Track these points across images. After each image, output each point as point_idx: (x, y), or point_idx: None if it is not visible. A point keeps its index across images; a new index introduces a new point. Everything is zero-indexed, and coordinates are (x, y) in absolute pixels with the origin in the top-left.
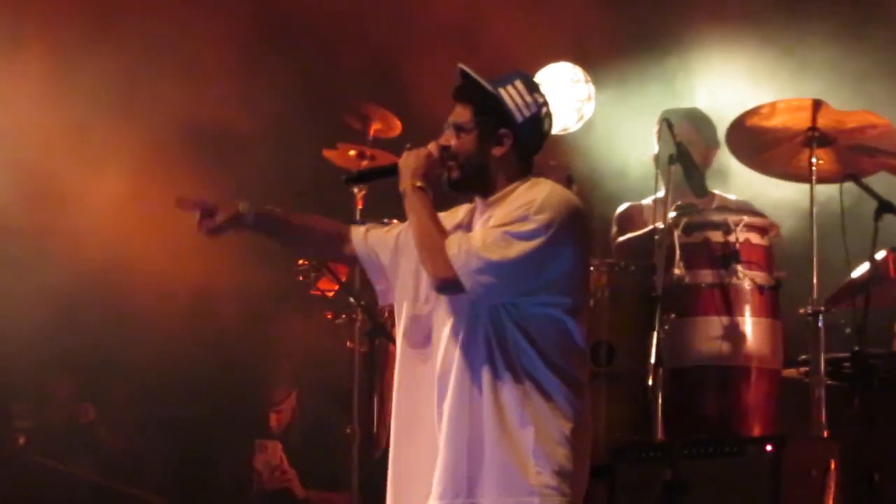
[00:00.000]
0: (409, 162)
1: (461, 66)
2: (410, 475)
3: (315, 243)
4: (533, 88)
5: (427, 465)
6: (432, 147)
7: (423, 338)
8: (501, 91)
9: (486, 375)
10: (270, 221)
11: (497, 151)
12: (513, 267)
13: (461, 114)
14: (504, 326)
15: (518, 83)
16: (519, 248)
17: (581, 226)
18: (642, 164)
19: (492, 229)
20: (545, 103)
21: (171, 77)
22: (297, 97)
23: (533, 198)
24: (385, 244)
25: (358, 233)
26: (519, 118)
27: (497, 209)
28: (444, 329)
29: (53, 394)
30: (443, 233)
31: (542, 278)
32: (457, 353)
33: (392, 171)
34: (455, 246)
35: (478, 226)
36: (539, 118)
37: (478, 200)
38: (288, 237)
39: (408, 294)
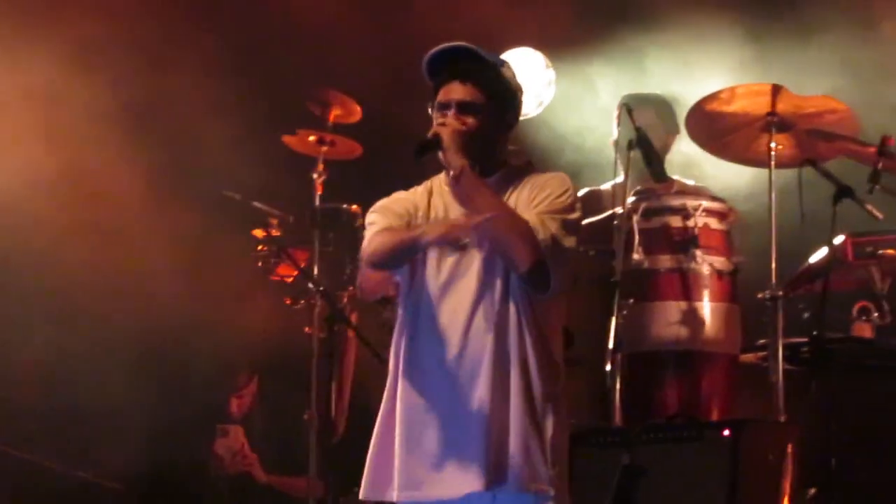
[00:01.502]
0: (455, 138)
1: (467, 44)
2: (420, 441)
3: None
4: (514, 71)
5: (440, 433)
6: (458, 124)
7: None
8: (505, 72)
9: (518, 360)
10: None
11: (503, 133)
12: (571, 255)
13: (468, 93)
14: (531, 309)
15: (507, 66)
16: (574, 236)
17: None
18: (602, 149)
19: (551, 216)
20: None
21: (126, 62)
22: (256, 83)
23: (567, 185)
24: None
25: None
26: (518, 104)
27: (521, 195)
28: (469, 304)
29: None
30: (518, 214)
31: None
32: (490, 336)
33: (437, 146)
34: (541, 230)
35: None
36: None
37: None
38: None
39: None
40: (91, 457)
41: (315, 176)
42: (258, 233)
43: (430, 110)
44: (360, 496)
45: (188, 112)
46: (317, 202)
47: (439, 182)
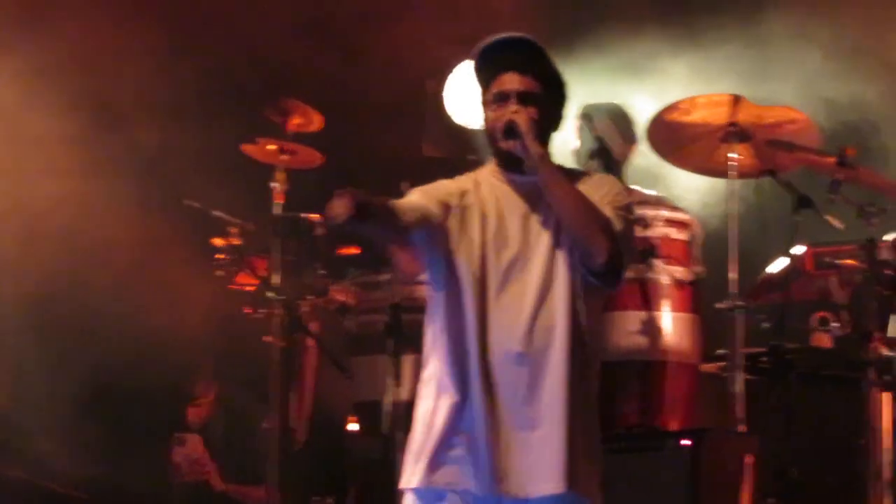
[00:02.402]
0: (531, 127)
1: (524, 35)
2: (498, 436)
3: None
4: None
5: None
6: (526, 114)
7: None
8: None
9: (580, 358)
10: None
11: (556, 128)
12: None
13: (528, 83)
14: (586, 306)
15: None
16: (633, 237)
17: None
18: (562, 159)
19: (615, 212)
20: None
21: (84, 70)
22: (216, 92)
23: (620, 187)
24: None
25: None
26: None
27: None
28: (533, 299)
29: None
30: (596, 206)
31: None
32: (561, 333)
33: (513, 132)
34: (616, 224)
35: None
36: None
37: (507, 176)
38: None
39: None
40: (55, 468)
41: (275, 185)
42: (218, 241)
43: (482, 104)
44: (415, 484)
45: (147, 120)
46: (277, 211)
47: (486, 174)
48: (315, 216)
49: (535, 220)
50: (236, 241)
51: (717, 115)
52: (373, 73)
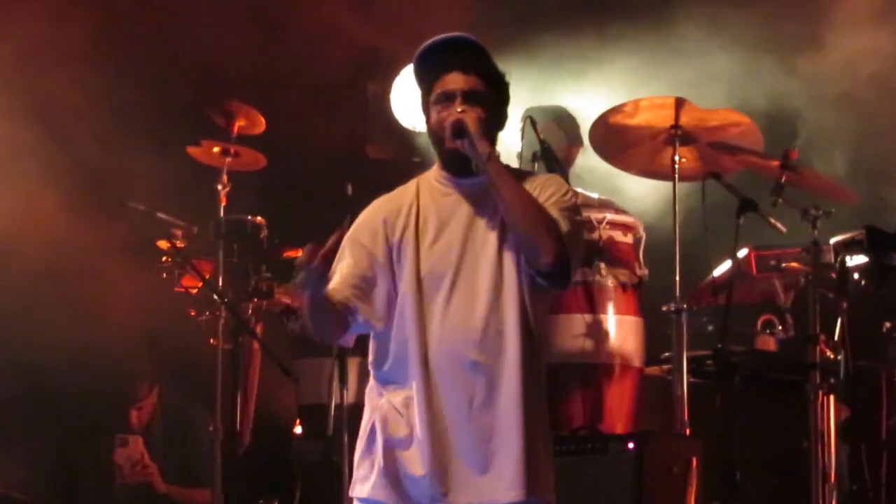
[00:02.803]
0: (476, 125)
1: (466, 35)
2: (449, 443)
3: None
4: None
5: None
6: (473, 111)
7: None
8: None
9: (533, 361)
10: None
11: (501, 127)
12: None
13: (472, 82)
14: (535, 307)
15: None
16: (583, 237)
17: None
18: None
19: (562, 213)
20: None
21: (26, 71)
22: (160, 93)
23: (567, 186)
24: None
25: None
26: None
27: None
28: (485, 300)
29: None
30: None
31: None
32: (513, 336)
33: (462, 132)
34: (563, 224)
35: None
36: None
37: (452, 179)
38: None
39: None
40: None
41: (219, 187)
42: (162, 244)
43: (425, 106)
44: (362, 495)
45: (91, 121)
46: (221, 213)
47: (430, 179)
48: (259, 219)
49: (480, 224)
50: (181, 244)
51: (661, 118)
52: (314, 73)
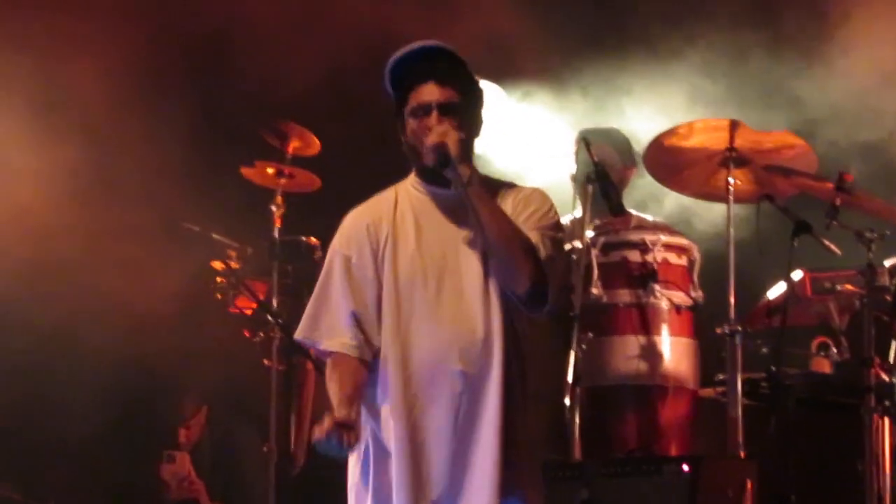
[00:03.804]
0: (455, 147)
1: (438, 43)
2: (429, 461)
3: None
4: None
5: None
6: (453, 131)
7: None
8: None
9: (517, 374)
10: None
11: (477, 135)
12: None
13: (447, 94)
14: (516, 328)
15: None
16: (563, 256)
17: None
18: (560, 183)
19: (542, 233)
20: None
21: (85, 93)
22: (214, 115)
23: (550, 202)
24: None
25: (361, 340)
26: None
27: (505, 205)
28: (471, 309)
29: None
30: (521, 229)
31: None
32: (495, 356)
33: (446, 162)
34: (542, 250)
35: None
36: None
37: (428, 188)
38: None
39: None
40: (45, 483)
41: (274, 208)
42: (217, 265)
43: (401, 118)
44: None
45: (147, 143)
46: (276, 234)
47: (405, 188)
48: (313, 239)
49: (460, 233)
50: (235, 265)
51: (716, 140)
52: (369, 94)
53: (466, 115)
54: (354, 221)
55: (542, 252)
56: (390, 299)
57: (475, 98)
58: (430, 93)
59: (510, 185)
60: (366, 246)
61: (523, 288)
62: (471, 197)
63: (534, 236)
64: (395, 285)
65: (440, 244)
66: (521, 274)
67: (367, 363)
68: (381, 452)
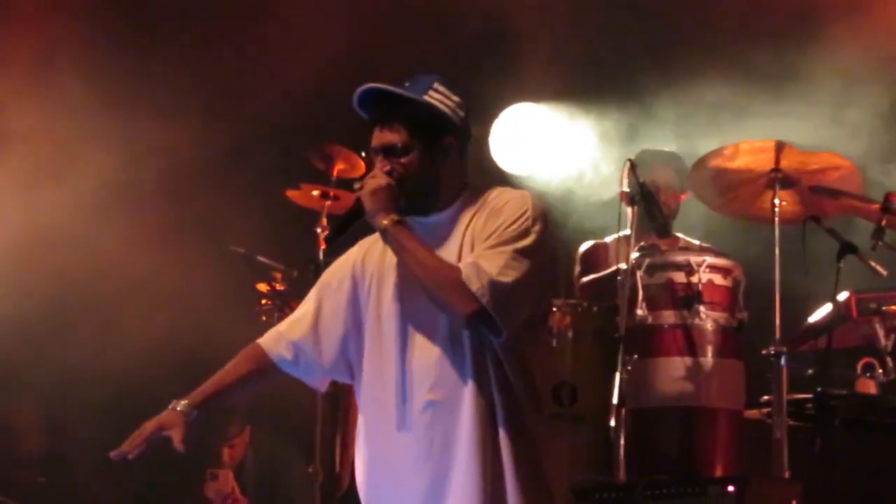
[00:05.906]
0: (375, 198)
1: (375, 85)
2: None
3: (252, 385)
4: (451, 87)
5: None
6: (382, 177)
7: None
8: (428, 99)
9: (506, 404)
10: (211, 402)
11: (446, 163)
12: (530, 287)
13: (392, 135)
14: (496, 354)
15: (437, 85)
16: (529, 265)
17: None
18: (606, 202)
19: (497, 251)
20: (464, 100)
21: (129, 116)
22: (259, 137)
23: (524, 207)
24: (333, 319)
25: (279, 341)
26: (457, 122)
27: (477, 222)
28: (441, 339)
29: (15, 423)
30: (450, 265)
31: (539, 291)
32: (468, 384)
33: (361, 213)
34: (475, 278)
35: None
36: (467, 117)
37: (412, 218)
38: (233, 399)
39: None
40: (89, 501)
41: (319, 230)
42: (262, 287)
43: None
44: None
45: (192, 167)
46: (321, 256)
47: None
48: None
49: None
50: (280, 287)
51: (761, 162)
52: None
53: (417, 150)
54: (345, 257)
55: (475, 283)
56: (371, 332)
57: (428, 129)
58: (376, 138)
59: (497, 193)
60: (347, 279)
61: (459, 321)
62: (389, 243)
63: (467, 269)
64: (378, 318)
65: (408, 277)
66: (450, 308)
67: (275, 366)
68: (367, 478)
